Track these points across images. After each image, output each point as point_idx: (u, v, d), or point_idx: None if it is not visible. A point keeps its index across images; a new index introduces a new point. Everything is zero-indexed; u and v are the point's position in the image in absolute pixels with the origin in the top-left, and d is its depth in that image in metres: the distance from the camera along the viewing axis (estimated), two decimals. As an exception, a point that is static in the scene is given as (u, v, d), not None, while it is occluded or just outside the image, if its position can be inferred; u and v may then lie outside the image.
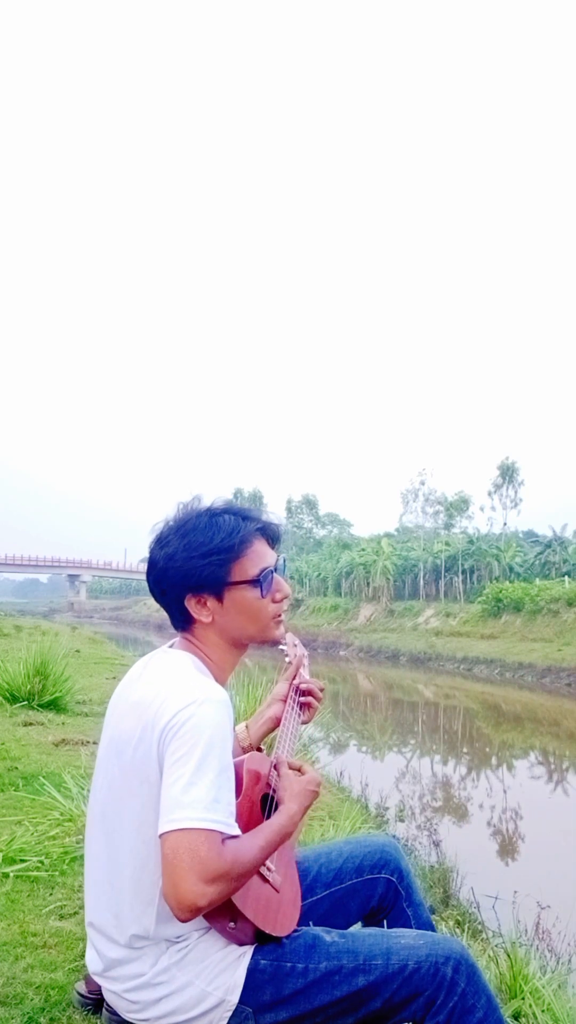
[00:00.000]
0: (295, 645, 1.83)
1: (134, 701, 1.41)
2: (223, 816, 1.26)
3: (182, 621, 1.51)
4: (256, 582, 1.47)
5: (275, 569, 1.51)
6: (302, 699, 1.74)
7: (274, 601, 1.51)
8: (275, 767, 1.54)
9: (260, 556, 1.49)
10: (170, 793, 1.26)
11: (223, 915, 1.35)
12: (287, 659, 1.81)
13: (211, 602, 1.47)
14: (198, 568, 1.44)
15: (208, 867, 1.21)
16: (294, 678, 1.76)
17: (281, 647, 1.80)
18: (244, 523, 1.49)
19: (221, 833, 1.25)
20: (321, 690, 1.76)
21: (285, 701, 1.72)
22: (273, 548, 1.54)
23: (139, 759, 1.35)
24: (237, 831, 1.29)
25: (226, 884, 1.24)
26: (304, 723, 1.75)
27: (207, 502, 1.54)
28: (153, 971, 1.36)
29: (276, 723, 1.70)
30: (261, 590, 1.48)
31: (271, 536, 1.54)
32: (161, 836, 1.25)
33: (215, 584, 1.46)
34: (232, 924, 1.36)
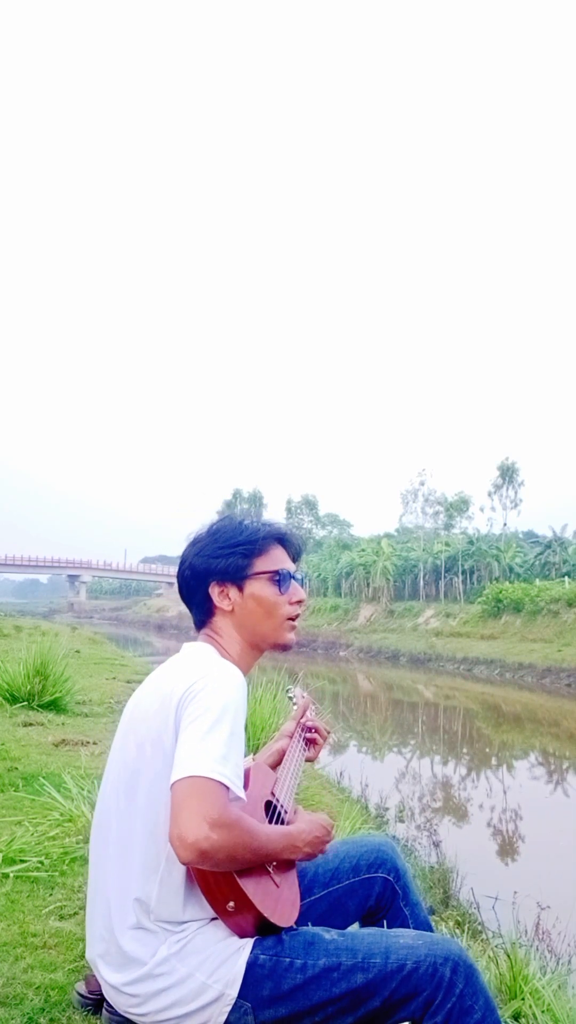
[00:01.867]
0: (303, 696, 2.03)
1: (156, 683, 1.50)
2: (232, 774, 1.31)
3: (204, 614, 1.62)
4: (275, 575, 1.60)
5: (293, 576, 1.64)
6: (308, 736, 1.89)
7: (291, 603, 1.63)
8: (284, 805, 1.60)
9: (280, 559, 1.64)
10: (183, 748, 1.33)
11: (223, 892, 1.35)
12: (294, 705, 2.00)
13: (233, 592, 1.60)
14: (223, 557, 1.60)
15: (213, 812, 1.25)
16: (301, 717, 1.91)
17: (290, 697, 2.05)
18: (266, 527, 1.66)
19: (228, 790, 1.30)
20: (328, 732, 1.92)
21: (292, 737, 1.85)
22: (294, 563, 1.68)
23: (155, 728, 1.41)
24: (243, 794, 1.35)
25: (229, 835, 1.26)
26: (308, 760, 1.89)
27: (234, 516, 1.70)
28: (153, 961, 1.37)
29: (282, 756, 1.81)
30: (279, 586, 1.61)
31: (293, 551, 1.69)
32: (173, 785, 1.30)
33: (237, 573, 1.59)
34: (231, 904, 1.36)
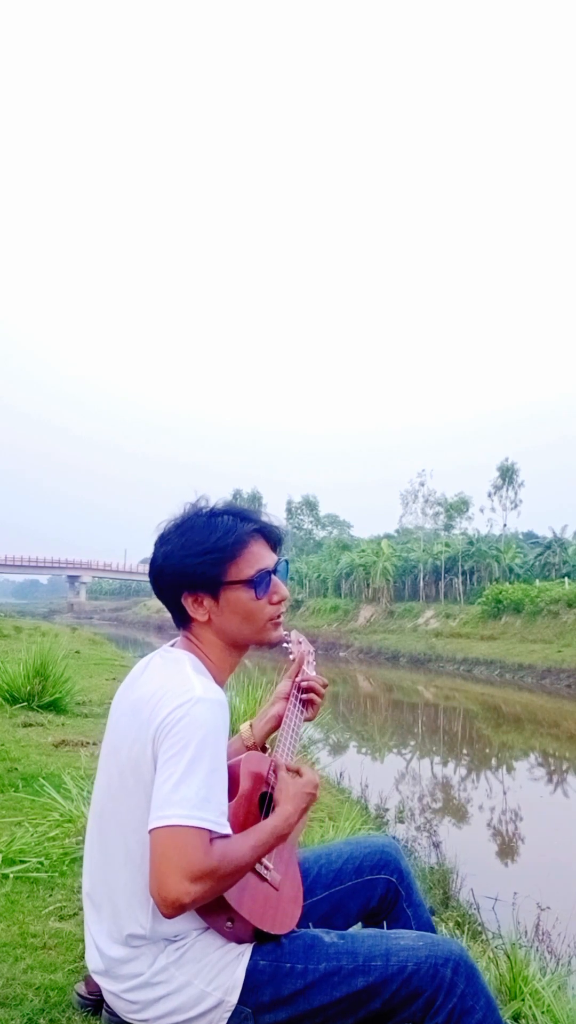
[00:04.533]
0: (299, 642, 1.82)
1: (133, 700, 1.42)
2: (213, 815, 1.27)
3: (181, 619, 1.53)
4: (251, 583, 1.48)
5: (274, 571, 1.51)
6: (304, 696, 1.73)
7: (271, 603, 1.52)
8: (273, 769, 1.54)
9: (257, 557, 1.50)
10: (161, 791, 1.27)
11: (220, 914, 1.35)
12: (291, 656, 1.80)
13: (207, 601, 1.48)
14: (193, 567, 1.46)
15: (194, 865, 1.22)
16: (296, 675, 1.75)
17: (285, 644, 1.78)
18: (242, 524, 1.50)
19: (210, 832, 1.26)
20: (324, 686, 1.75)
21: (288, 699, 1.72)
22: (274, 551, 1.55)
23: (134, 758, 1.36)
24: (228, 830, 1.30)
25: (212, 883, 1.25)
26: (307, 720, 1.74)
27: (213, 502, 1.55)
28: (151, 970, 1.36)
29: (279, 722, 1.69)
30: (256, 591, 1.48)
31: (271, 538, 1.55)
32: (150, 832, 1.26)
33: (210, 584, 1.47)
34: (229, 923, 1.36)
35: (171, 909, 1.23)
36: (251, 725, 1.74)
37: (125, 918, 1.37)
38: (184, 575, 1.47)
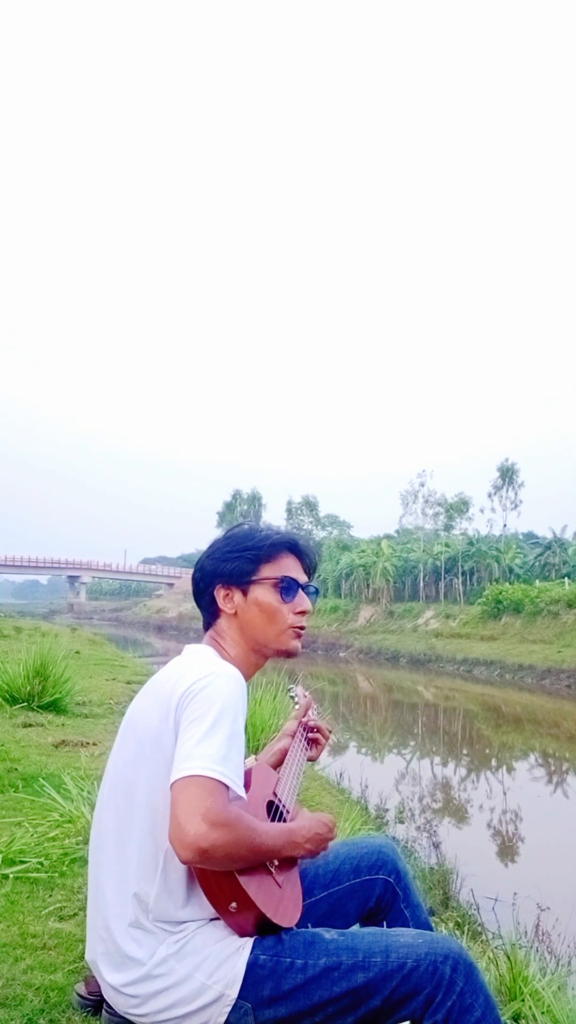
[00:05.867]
0: (305, 696, 2.03)
1: (156, 684, 1.51)
2: (232, 773, 1.32)
3: (210, 616, 1.64)
4: (279, 584, 1.60)
5: (303, 588, 1.64)
6: (310, 735, 1.89)
7: (295, 612, 1.62)
8: (285, 805, 1.60)
9: (288, 568, 1.64)
10: (183, 748, 1.33)
11: (225, 893, 1.35)
12: (295, 704, 2.00)
13: (237, 595, 1.61)
14: (231, 560, 1.61)
15: (212, 810, 1.26)
16: (303, 716, 1.91)
17: (291, 696, 2.04)
18: (280, 535, 1.66)
19: (228, 789, 1.30)
20: (330, 731, 1.92)
21: (294, 736, 1.85)
22: (307, 574, 1.68)
23: (154, 726, 1.42)
24: (243, 793, 1.36)
25: (229, 834, 1.27)
26: (311, 759, 1.89)
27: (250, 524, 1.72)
28: (152, 962, 1.37)
29: (283, 756, 1.81)
30: (283, 594, 1.60)
31: (307, 563, 1.69)
32: (172, 785, 1.30)
33: (242, 577, 1.60)
34: (234, 904, 1.36)
35: (189, 851, 1.25)
36: (255, 758, 1.82)
37: (131, 884, 1.40)
38: (221, 568, 1.61)
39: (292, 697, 2.06)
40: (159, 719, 1.41)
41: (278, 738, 1.87)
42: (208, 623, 1.64)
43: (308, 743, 1.88)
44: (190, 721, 1.36)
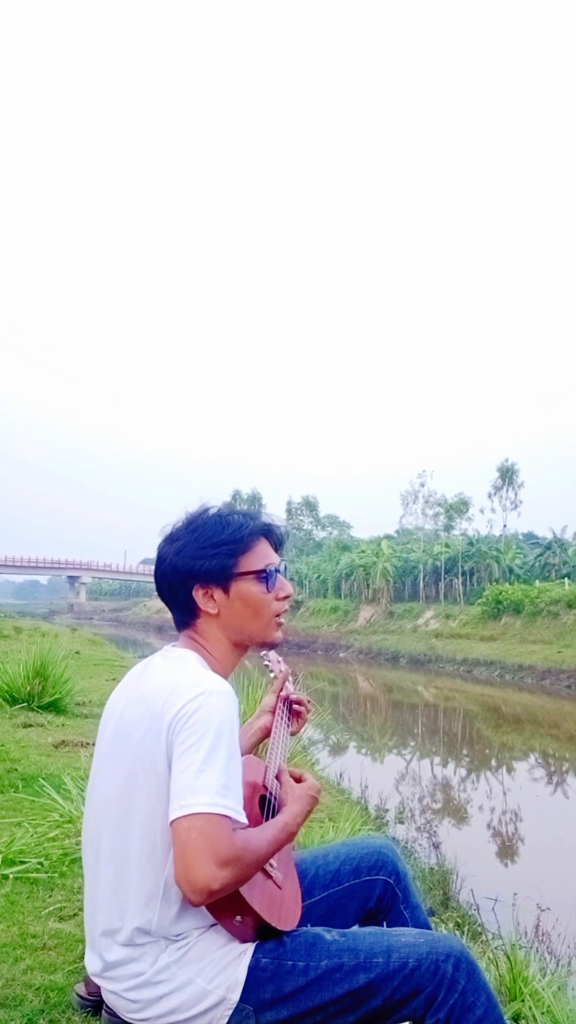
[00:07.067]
0: (279, 662, 1.92)
1: (140, 694, 1.44)
2: (233, 803, 1.29)
3: (187, 616, 1.55)
4: (262, 574, 1.53)
5: (278, 570, 1.57)
6: (292, 708, 1.82)
7: (277, 599, 1.56)
8: (277, 776, 1.59)
9: (265, 554, 1.56)
10: (181, 780, 1.29)
11: (230, 909, 1.35)
12: (272, 674, 1.89)
13: (218, 594, 1.52)
14: (207, 558, 1.50)
15: (221, 850, 1.23)
16: (281, 690, 1.83)
17: (265, 664, 1.91)
18: (251, 521, 1.56)
19: (232, 820, 1.28)
20: (309, 702, 1.85)
21: (274, 712, 1.79)
22: (276, 551, 1.60)
23: (146, 749, 1.37)
24: (245, 820, 1.32)
25: (238, 869, 1.26)
26: (293, 733, 1.82)
27: (214, 506, 1.60)
28: (153, 969, 1.36)
29: (265, 733, 1.77)
30: (267, 584, 1.53)
31: (275, 540, 1.61)
32: (173, 823, 1.27)
33: (223, 574, 1.51)
34: (239, 919, 1.36)
35: (200, 896, 1.23)
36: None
37: (131, 911, 1.37)
38: (197, 567, 1.51)
39: (266, 665, 1.91)
40: (151, 743, 1.36)
41: (257, 714, 1.81)
42: (183, 622, 1.55)
43: (290, 716, 1.82)
44: (185, 749, 1.31)
